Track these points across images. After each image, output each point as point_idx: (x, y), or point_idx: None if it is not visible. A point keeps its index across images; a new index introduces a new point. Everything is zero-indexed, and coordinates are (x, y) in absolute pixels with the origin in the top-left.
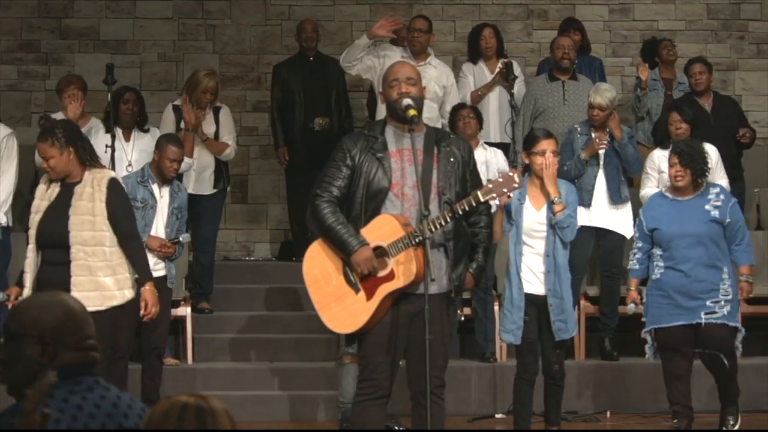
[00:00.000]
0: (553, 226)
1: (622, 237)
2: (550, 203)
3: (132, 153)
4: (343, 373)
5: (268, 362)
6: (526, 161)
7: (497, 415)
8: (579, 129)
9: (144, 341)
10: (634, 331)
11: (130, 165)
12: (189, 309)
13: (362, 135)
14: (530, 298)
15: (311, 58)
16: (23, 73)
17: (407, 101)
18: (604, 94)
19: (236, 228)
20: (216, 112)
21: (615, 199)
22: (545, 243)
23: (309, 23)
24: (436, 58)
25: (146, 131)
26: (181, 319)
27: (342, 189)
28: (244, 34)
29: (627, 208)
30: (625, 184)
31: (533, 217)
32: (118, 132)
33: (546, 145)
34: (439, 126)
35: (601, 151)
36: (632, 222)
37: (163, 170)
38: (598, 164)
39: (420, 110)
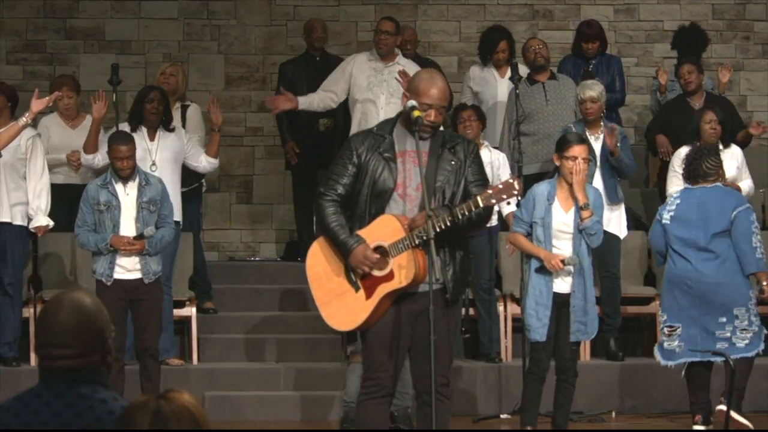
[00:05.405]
0: (580, 231)
1: (616, 237)
2: (578, 208)
3: (156, 153)
4: (348, 371)
5: (273, 362)
6: (557, 163)
7: (502, 416)
8: (573, 128)
9: (137, 342)
10: (638, 331)
11: (153, 164)
12: (194, 309)
13: (371, 134)
14: (553, 297)
15: (317, 58)
16: (28, 73)
17: (412, 103)
18: (594, 87)
19: (241, 228)
20: (184, 109)
21: (612, 198)
22: (571, 245)
23: (319, 23)
24: (405, 58)
25: (171, 130)
26: (186, 320)
27: (347, 188)
28: (249, 35)
29: (621, 209)
30: (620, 184)
31: (561, 218)
32: (143, 131)
33: (578, 151)
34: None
35: (598, 152)
36: (625, 222)
37: (115, 170)
38: (596, 164)
39: (436, 129)
